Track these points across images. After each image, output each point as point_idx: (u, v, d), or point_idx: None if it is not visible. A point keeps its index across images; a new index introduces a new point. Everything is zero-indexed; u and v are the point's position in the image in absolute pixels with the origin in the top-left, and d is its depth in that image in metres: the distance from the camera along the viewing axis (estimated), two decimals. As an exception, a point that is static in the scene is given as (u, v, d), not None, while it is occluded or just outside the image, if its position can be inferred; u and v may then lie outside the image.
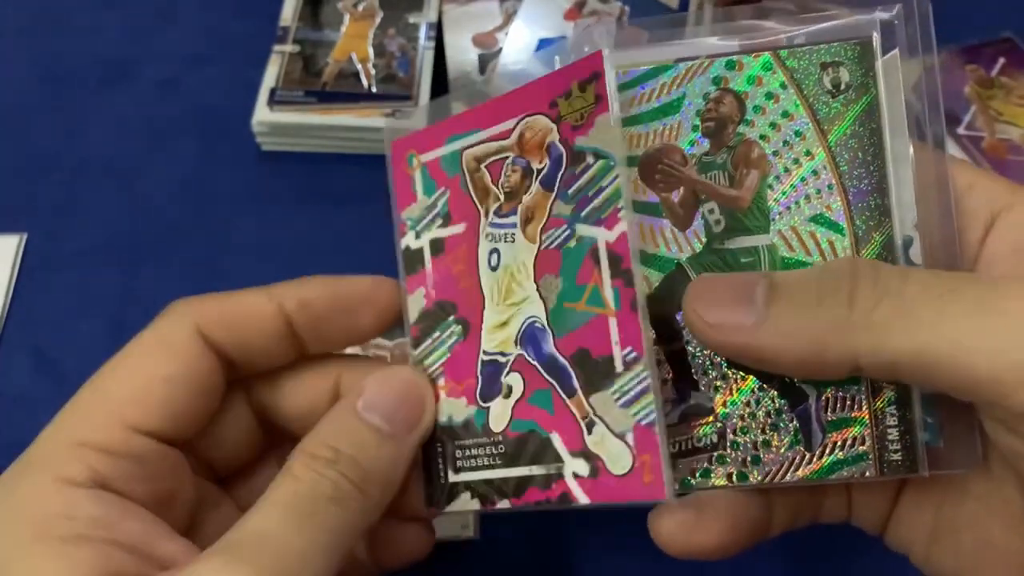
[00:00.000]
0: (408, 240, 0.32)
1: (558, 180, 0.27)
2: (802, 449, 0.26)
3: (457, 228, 0.30)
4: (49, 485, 0.26)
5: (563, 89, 0.27)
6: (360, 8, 0.59)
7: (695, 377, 0.27)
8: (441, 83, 0.55)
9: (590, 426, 0.27)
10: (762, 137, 0.26)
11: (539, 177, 0.28)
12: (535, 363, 0.28)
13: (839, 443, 0.26)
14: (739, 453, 0.26)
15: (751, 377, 0.26)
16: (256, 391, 0.32)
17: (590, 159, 0.26)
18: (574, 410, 0.27)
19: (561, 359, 0.27)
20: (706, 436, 0.26)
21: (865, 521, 0.29)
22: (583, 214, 0.27)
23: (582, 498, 0.27)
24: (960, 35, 0.61)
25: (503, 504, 0.28)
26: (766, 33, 0.27)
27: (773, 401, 0.26)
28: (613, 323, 0.26)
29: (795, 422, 0.26)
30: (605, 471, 0.26)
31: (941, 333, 0.21)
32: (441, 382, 0.30)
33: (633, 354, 0.26)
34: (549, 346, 0.28)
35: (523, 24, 0.57)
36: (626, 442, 0.26)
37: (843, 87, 0.26)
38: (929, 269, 0.24)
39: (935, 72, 0.26)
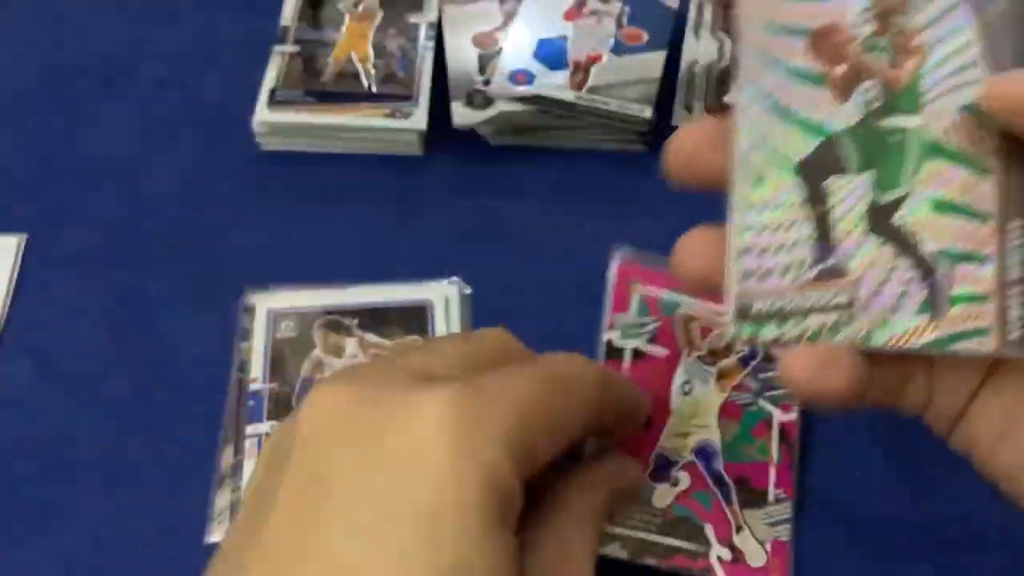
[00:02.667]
0: (612, 336, 0.43)
1: (752, 364, 0.42)
2: (928, 317, 0.28)
3: (659, 350, 0.43)
4: None
5: None
6: (360, 8, 0.59)
7: (836, 241, 0.28)
8: (441, 83, 0.55)
9: (738, 529, 0.39)
10: (926, 26, 0.28)
11: (740, 355, 0.42)
12: (704, 472, 0.40)
13: (963, 315, 0.27)
14: (868, 315, 0.28)
15: (889, 247, 0.28)
16: None
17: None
18: (728, 515, 0.39)
19: (727, 478, 0.40)
20: (840, 296, 0.28)
21: (940, 413, 0.30)
22: (767, 394, 0.41)
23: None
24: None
25: (650, 561, 0.38)
26: None
27: (906, 270, 0.28)
28: (772, 471, 0.40)
29: (924, 292, 0.28)
30: (744, 562, 0.38)
31: None
32: None
33: (784, 495, 0.39)
34: (719, 465, 0.40)
35: (523, 24, 0.57)
36: (764, 548, 0.39)
37: None
38: None
39: None
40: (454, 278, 0.48)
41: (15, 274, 0.50)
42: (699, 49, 0.56)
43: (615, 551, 0.39)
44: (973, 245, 0.27)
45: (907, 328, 0.28)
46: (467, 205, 0.53)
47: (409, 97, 0.54)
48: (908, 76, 0.28)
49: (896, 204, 0.28)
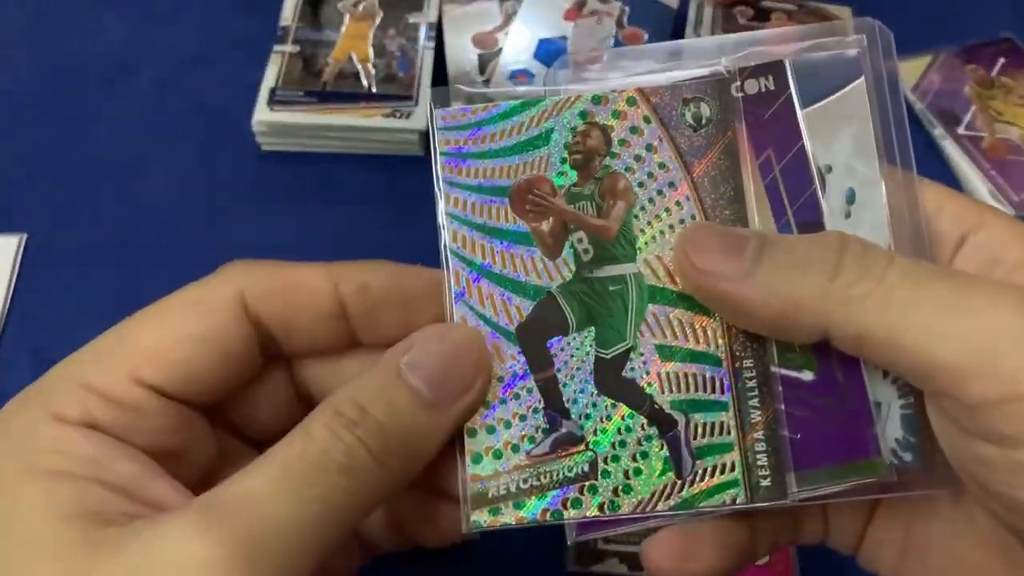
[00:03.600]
0: None
1: None
2: (673, 476, 0.26)
3: None
4: (42, 419, 0.25)
5: None
6: (360, 8, 0.59)
7: (566, 405, 0.26)
8: (441, 83, 0.55)
9: None
10: (627, 169, 0.27)
11: None
12: None
13: (709, 470, 0.26)
14: (610, 482, 0.26)
15: (622, 405, 0.26)
16: (298, 367, 0.31)
17: None
18: None
19: None
20: (577, 465, 0.26)
21: (840, 540, 0.29)
22: None
23: None
24: (960, 35, 0.61)
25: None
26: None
27: (643, 428, 0.26)
28: None
29: (665, 449, 0.26)
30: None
31: (911, 318, 0.22)
32: None
33: None
34: None
35: (523, 24, 0.57)
36: None
37: (704, 122, 0.27)
38: (913, 258, 0.25)
39: (900, 98, 0.26)
40: (454, 278, 0.48)
41: (15, 273, 0.50)
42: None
43: (614, 566, 0.38)
44: (707, 392, 0.26)
45: (652, 491, 0.26)
46: (467, 205, 0.53)
47: (409, 97, 0.55)
48: (618, 224, 0.27)
49: (623, 358, 0.26)
